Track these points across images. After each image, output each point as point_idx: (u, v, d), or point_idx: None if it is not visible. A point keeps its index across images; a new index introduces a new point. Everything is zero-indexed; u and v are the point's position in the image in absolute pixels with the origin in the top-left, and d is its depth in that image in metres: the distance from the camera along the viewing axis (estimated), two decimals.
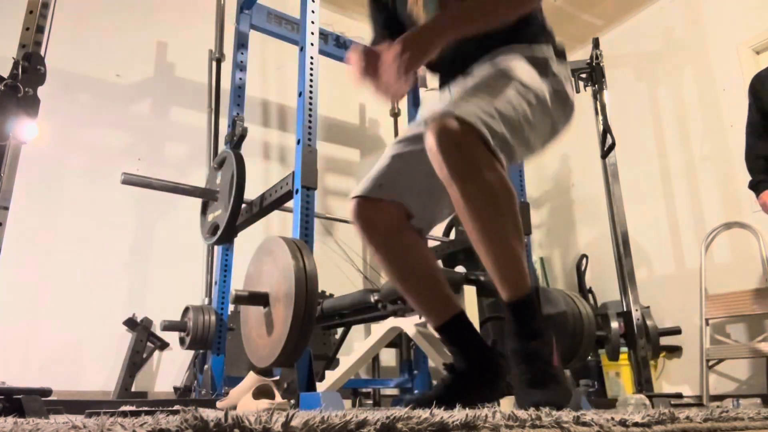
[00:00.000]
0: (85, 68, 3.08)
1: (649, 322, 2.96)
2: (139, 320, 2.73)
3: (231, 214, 2.35)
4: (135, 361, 2.64)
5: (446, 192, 1.21)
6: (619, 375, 3.43)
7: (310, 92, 2.13)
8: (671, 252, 3.78)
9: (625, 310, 2.98)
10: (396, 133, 3.86)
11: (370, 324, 3.15)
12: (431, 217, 1.41)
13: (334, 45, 3.30)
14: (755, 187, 2.59)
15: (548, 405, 0.99)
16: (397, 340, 2.93)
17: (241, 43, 2.86)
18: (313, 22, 2.22)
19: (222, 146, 2.86)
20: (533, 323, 1.24)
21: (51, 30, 1.75)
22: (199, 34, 3.40)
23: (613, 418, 0.85)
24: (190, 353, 2.68)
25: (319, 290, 1.97)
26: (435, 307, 1.36)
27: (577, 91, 3.22)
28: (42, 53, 1.68)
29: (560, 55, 1.41)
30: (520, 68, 1.30)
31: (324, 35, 3.23)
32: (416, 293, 1.37)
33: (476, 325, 1.87)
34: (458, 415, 0.76)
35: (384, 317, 2.25)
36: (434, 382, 3.20)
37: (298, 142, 2.08)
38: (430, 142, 1.15)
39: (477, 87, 1.27)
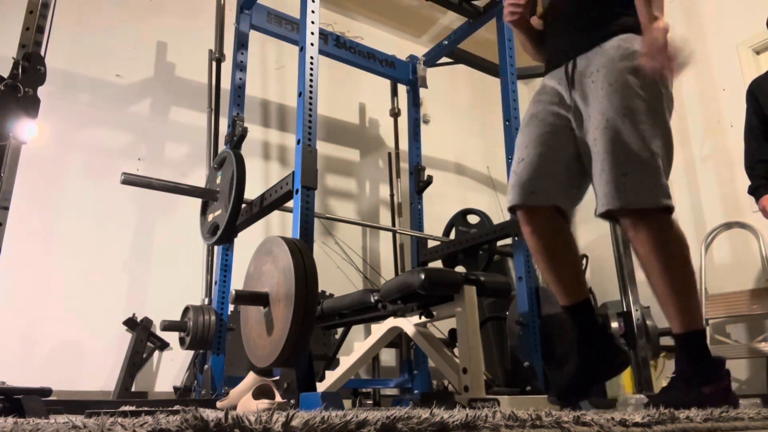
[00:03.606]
0: (85, 68, 3.08)
1: (649, 322, 2.96)
2: (139, 320, 2.73)
3: (231, 214, 2.35)
4: (135, 361, 2.64)
5: (585, 175, 1.55)
6: (619, 375, 3.43)
7: (310, 92, 2.13)
8: None
9: (625, 310, 2.98)
10: (396, 133, 3.86)
11: (370, 324, 3.15)
12: (577, 201, 1.65)
13: (334, 45, 3.29)
14: (755, 191, 2.59)
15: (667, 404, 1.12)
16: (397, 340, 2.93)
17: (241, 43, 2.86)
18: (313, 22, 2.22)
19: (222, 146, 2.86)
20: (694, 356, 1.44)
21: (51, 30, 1.75)
22: (199, 34, 3.40)
23: (613, 418, 0.85)
24: (190, 353, 2.68)
25: (319, 290, 1.97)
26: (572, 288, 1.61)
27: None
28: (42, 53, 1.67)
29: None
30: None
31: (324, 35, 3.23)
32: (559, 275, 1.62)
33: (476, 323, 1.87)
34: (458, 415, 0.76)
35: (384, 317, 2.25)
36: (434, 382, 3.20)
37: (298, 142, 2.08)
38: (630, 234, 1.44)
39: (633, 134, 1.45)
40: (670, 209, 1.42)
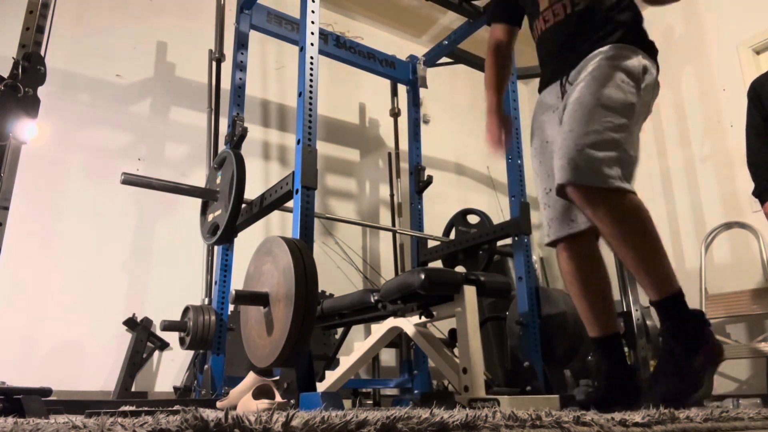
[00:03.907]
0: (85, 68, 3.08)
1: (649, 322, 2.96)
2: (139, 320, 2.73)
3: (231, 214, 2.35)
4: (135, 361, 2.64)
5: None
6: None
7: (310, 92, 2.13)
8: (671, 252, 3.78)
9: (624, 310, 2.98)
10: (396, 133, 3.86)
11: (370, 324, 3.15)
12: None
13: (334, 45, 3.29)
14: (760, 195, 2.55)
15: (664, 398, 1.10)
16: (397, 340, 2.93)
17: (241, 43, 2.86)
18: (313, 22, 2.22)
19: (222, 146, 2.86)
20: (676, 322, 1.44)
21: (51, 30, 1.75)
22: (199, 34, 3.40)
23: (613, 418, 0.85)
24: (190, 353, 2.68)
25: (319, 290, 1.97)
26: (602, 319, 1.61)
27: None
28: (42, 53, 1.67)
29: (653, 53, 1.62)
30: (623, 80, 1.50)
31: (324, 35, 3.23)
32: (591, 302, 1.62)
33: (476, 323, 1.87)
34: (458, 415, 0.76)
35: (384, 317, 2.25)
36: (434, 382, 3.20)
37: (298, 142, 2.08)
38: (588, 214, 1.45)
39: (588, 115, 1.47)
40: (621, 190, 1.42)
